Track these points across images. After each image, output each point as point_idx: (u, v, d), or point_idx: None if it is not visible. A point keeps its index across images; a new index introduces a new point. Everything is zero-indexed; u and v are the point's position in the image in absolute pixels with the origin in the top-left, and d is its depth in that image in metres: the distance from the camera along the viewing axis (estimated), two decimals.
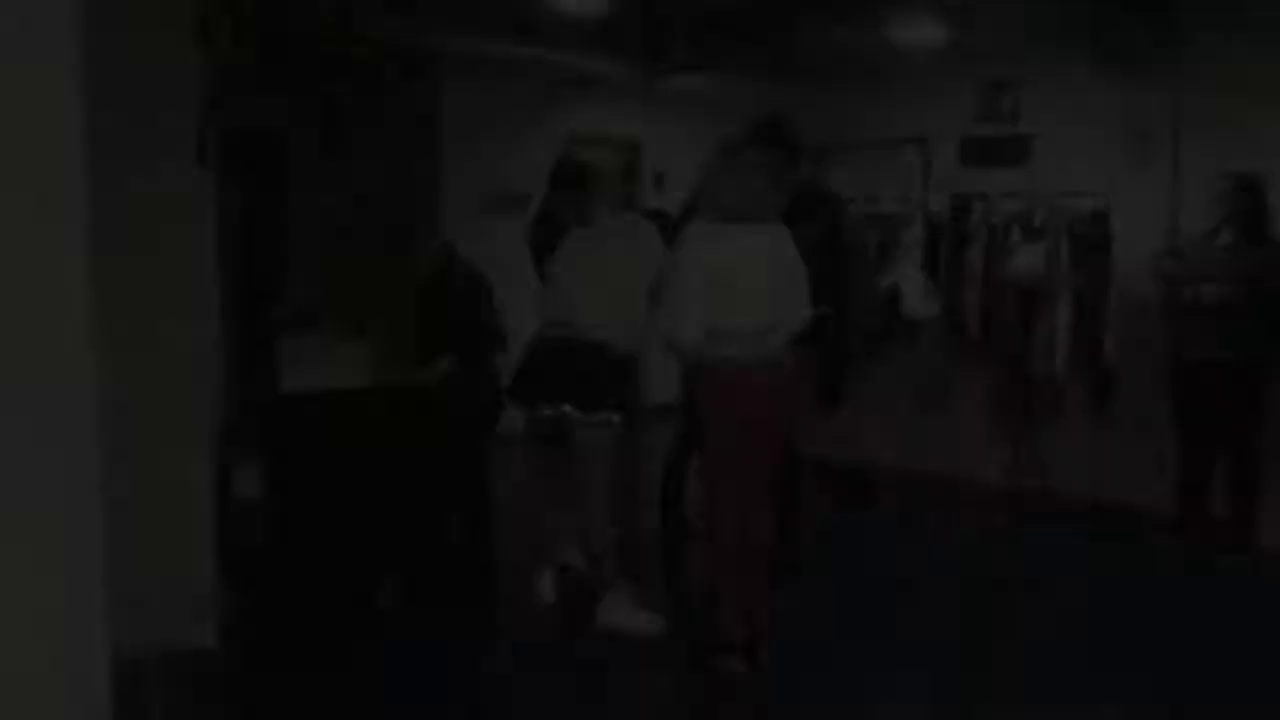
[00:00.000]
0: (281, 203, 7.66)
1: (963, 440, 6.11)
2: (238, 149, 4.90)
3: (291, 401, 4.05)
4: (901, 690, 3.58)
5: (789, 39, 6.61)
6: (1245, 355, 4.72)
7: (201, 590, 3.69)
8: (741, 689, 3.62)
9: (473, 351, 4.31)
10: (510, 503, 4.81)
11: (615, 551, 3.90)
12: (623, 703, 3.64)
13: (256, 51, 4.24)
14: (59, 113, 1.23)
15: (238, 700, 3.57)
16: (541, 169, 4.81)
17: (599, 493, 3.85)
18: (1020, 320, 5.34)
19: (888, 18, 5.36)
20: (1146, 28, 5.08)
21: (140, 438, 3.48)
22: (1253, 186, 4.70)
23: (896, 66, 6.14)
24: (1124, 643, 3.97)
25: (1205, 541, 5.00)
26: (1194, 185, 5.13)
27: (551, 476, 4.10)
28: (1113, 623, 4.19)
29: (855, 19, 5.78)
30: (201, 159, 3.81)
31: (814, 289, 3.68)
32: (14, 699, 1.01)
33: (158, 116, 3.50)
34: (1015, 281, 5.29)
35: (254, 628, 4.14)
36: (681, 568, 4.80)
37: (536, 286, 4.31)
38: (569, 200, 4.77)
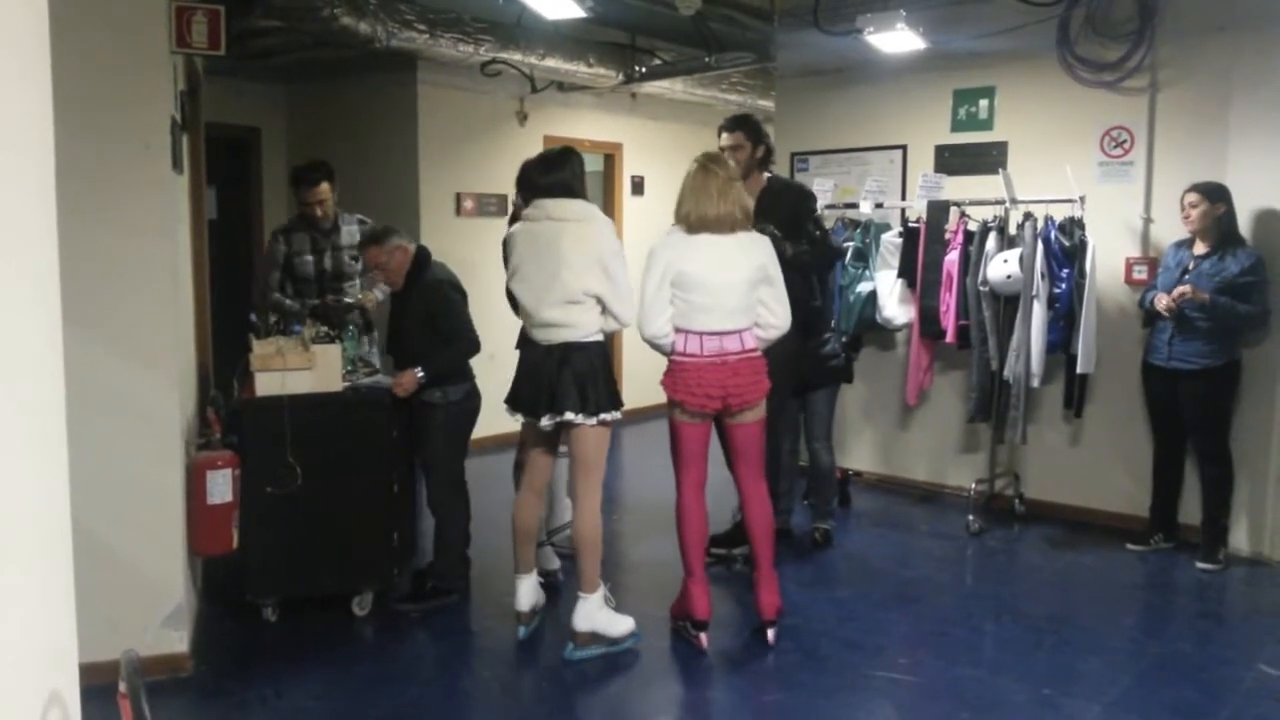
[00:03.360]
0: (256, 204, 7.63)
1: (937, 445, 6.15)
2: (213, 151, 4.84)
3: (266, 405, 4.00)
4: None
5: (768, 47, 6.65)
6: (1219, 361, 4.76)
7: (174, 596, 3.65)
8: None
9: (446, 357, 4.27)
10: (505, 506, 4.77)
11: (597, 550, 3.89)
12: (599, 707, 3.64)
13: (232, 52, 4.20)
14: (24, 108, 1.22)
15: (210, 708, 3.53)
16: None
17: (594, 491, 3.86)
18: (996, 326, 5.36)
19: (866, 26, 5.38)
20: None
21: (113, 441, 3.44)
22: (1223, 196, 4.75)
23: (874, 73, 6.17)
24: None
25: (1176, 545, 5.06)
26: (1166, 193, 5.19)
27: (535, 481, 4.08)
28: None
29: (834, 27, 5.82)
30: (176, 163, 3.77)
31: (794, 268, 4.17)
32: None
33: (131, 117, 3.46)
34: (991, 287, 5.31)
35: (226, 634, 4.11)
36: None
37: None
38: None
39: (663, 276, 3.78)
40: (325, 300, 4.99)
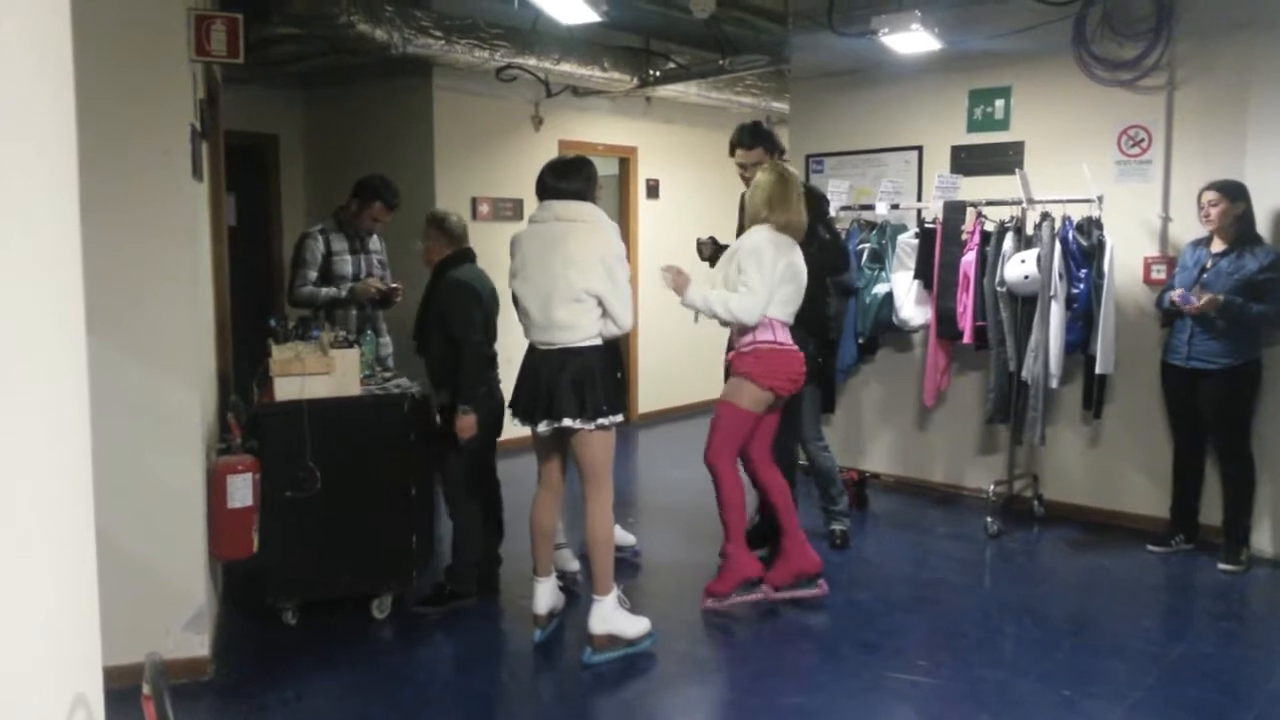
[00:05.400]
0: (275, 210, 7.67)
1: (955, 447, 6.13)
2: (232, 158, 4.87)
3: (285, 410, 4.03)
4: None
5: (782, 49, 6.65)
6: (1239, 360, 4.72)
7: (195, 600, 3.68)
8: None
9: (461, 370, 4.26)
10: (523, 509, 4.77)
11: (610, 553, 3.90)
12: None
13: (250, 60, 4.22)
14: (47, 117, 1.23)
15: (231, 711, 3.56)
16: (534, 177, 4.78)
17: (603, 494, 3.86)
18: (1013, 326, 5.34)
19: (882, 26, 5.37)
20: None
21: (133, 445, 3.47)
22: (1242, 194, 4.72)
23: (889, 74, 6.16)
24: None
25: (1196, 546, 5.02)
26: (1184, 191, 5.16)
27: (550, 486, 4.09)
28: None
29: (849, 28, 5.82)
30: (196, 170, 3.80)
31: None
32: (5, 710, 1.00)
33: (151, 124, 3.49)
34: (1008, 288, 5.29)
35: (247, 638, 4.13)
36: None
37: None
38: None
39: (774, 268, 4.16)
40: (357, 285, 5.27)
